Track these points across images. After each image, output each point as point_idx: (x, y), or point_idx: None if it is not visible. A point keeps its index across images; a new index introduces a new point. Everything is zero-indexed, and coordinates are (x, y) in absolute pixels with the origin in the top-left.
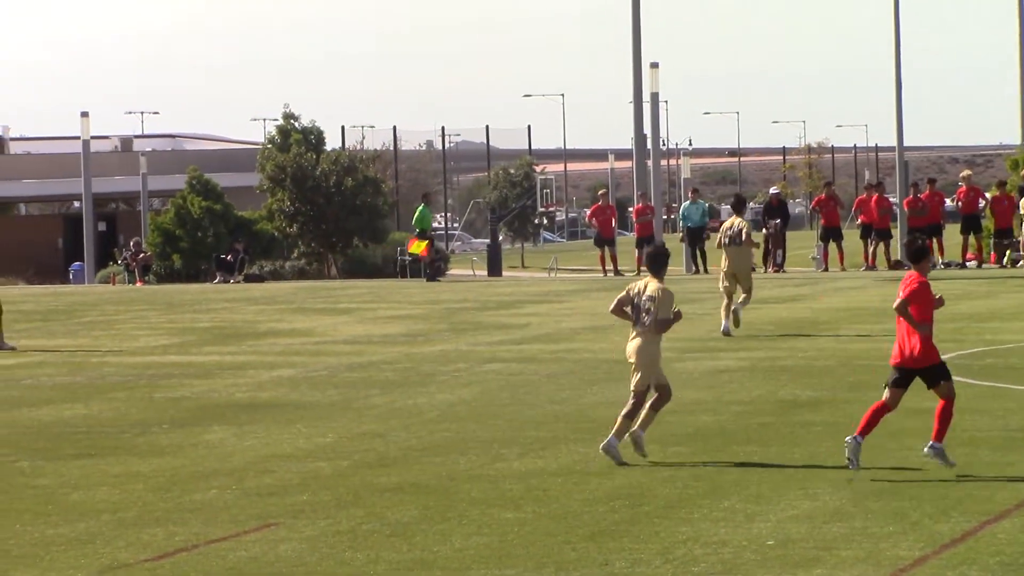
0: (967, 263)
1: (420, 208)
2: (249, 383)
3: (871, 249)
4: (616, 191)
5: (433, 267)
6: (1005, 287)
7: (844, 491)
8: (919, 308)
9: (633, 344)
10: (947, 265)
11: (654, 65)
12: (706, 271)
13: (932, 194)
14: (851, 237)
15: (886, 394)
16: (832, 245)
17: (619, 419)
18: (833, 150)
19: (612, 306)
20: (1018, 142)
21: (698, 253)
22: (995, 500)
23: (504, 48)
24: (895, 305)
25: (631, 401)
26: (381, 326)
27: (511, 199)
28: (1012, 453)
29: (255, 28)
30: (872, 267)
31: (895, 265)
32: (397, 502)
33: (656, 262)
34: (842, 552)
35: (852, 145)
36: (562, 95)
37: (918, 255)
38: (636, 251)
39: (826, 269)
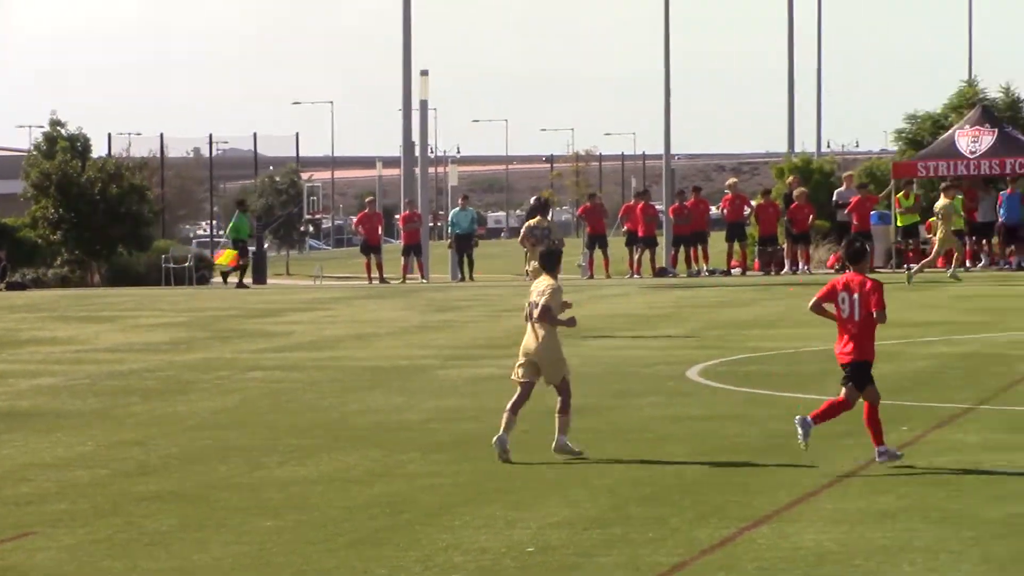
0: (732, 270)
1: (236, 216)
2: (8, 392)
3: (636, 256)
4: (384, 198)
5: (242, 276)
6: (768, 294)
7: (604, 498)
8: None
9: (529, 340)
10: (712, 272)
11: (424, 72)
12: (471, 278)
13: (697, 202)
14: (616, 244)
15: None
16: (598, 252)
17: (557, 417)
18: (601, 158)
19: (526, 313)
20: (784, 150)
21: (465, 260)
22: (754, 506)
23: (274, 55)
24: (881, 319)
25: (562, 398)
26: (144, 334)
27: (277, 207)
28: (772, 460)
29: (21, 35)
30: (637, 274)
31: (659, 272)
32: (156, 510)
33: (549, 261)
34: (601, 559)
35: (620, 153)
36: (331, 102)
37: (857, 256)
38: (403, 259)
39: (591, 276)
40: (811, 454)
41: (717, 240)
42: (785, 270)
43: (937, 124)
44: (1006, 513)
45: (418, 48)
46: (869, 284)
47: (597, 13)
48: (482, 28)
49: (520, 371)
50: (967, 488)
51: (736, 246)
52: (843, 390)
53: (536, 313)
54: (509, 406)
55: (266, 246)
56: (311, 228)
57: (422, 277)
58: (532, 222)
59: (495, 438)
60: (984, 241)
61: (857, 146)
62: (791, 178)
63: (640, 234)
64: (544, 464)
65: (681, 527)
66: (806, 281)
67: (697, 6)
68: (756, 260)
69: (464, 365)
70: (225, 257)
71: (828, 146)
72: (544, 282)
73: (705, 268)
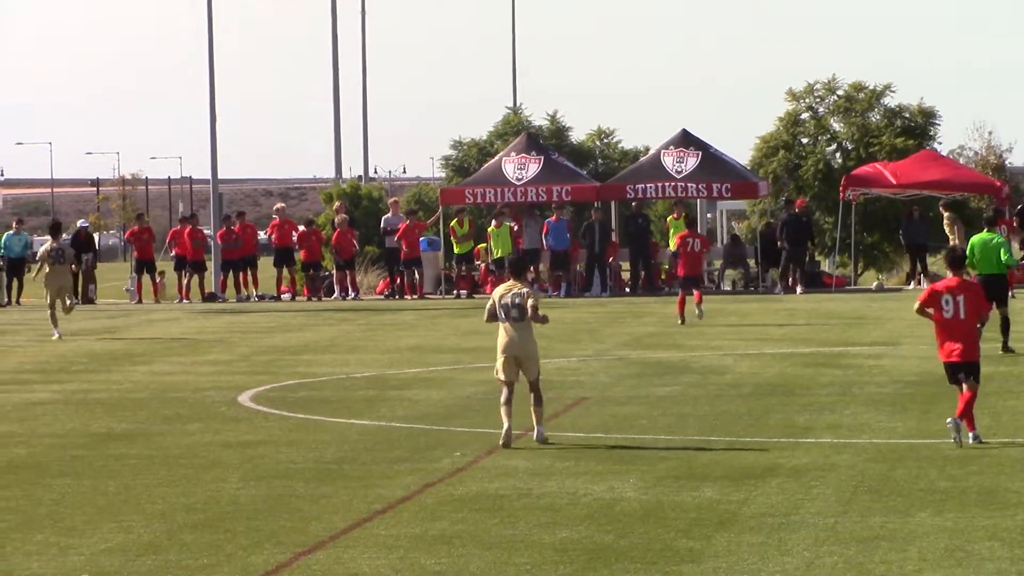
0: (281, 296)
1: None
2: None
3: (185, 281)
4: None
5: None
6: (319, 319)
7: (158, 523)
8: None
9: (515, 337)
10: (261, 298)
11: None
12: (19, 303)
13: (244, 226)
14: (168, 268)
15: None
16: (146, 277)
17: (532, 411)
18: (147, 182)
19: (485, 317)
20: (332, 175)
21: (15, 284)
22: (308, 532)
23: None
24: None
25: (532, 393)
26: None
27: None
28: (325, 485)
29: None
30: (186, 299)
31: (209, 297)
32: None
33: (517, 267)
34: None
35: (166, 177)
36: None
37: (958, 262)
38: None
39: (140, 301)
40: (365, 480)
41: (266, 265)
42: (335, 296)
43: (483, 151)
44: (559, 538)
45: None
46: (975, 288)
47: (142, 36)
48: (29, 50)
49: (504, 369)
50: (520, 514)
51: (285, 271)
52: (964, 386)
53: (531, 313)
54: (505, 401)
55: None
56: None
57: None
58: (47, 246)
59: (504, 436)
60: (532, 268)
61: (404, 172)
62: (337, 203)
63: (188, 259)
64: (95, 490)
65: (236, 553)
66: (354, 307)
67: (243, 30)
68: (305, 286)
69: (14, 390)
70: None
71: (376, 172)
72: (515, 286)
73: (255, 293)
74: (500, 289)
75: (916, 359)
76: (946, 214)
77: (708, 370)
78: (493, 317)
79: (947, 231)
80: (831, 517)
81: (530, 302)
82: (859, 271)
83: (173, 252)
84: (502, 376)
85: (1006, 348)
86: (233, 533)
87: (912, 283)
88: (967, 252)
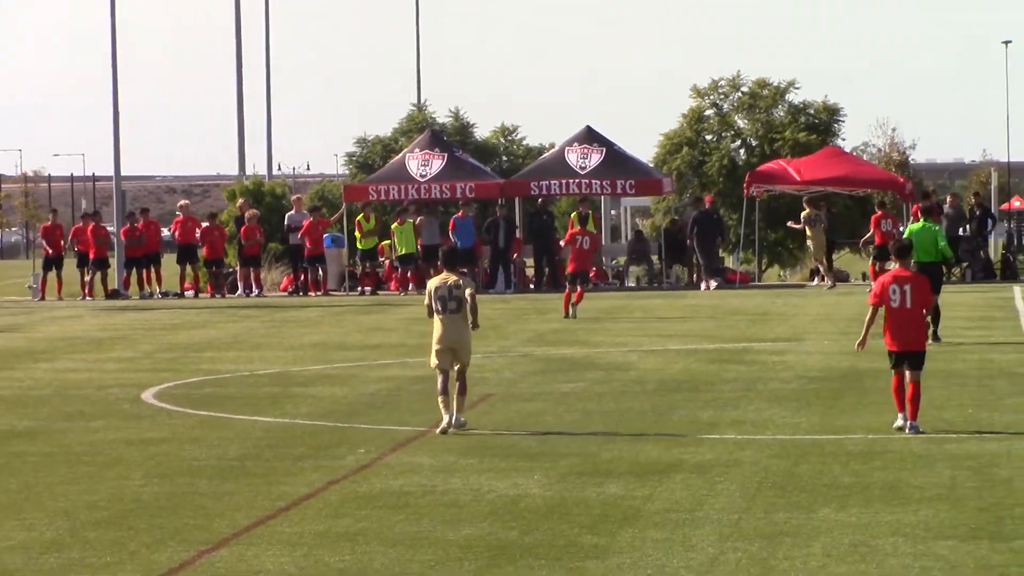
0: (185, 293)
1: None
2: None
3: (88, 278)
4: None
5: None
6: (222, 317)
7: (60, 521)
8: None
9: (450, 329)
10: (164, 295)
11: None
12: None
13: (148, 223)
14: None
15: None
16: (53, 273)
17: (455, 399)
18: (50, 179)
19: (426, 312)
20: (235, 172)
21: None
22: (212, 529)
23: None
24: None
25: (460, 381)
26: None
27: None
28: (229, 483)
29: None
30: (89, 296)
31: (112, 294)
32: None
33: (449, 258)
34: None
35: (69, 174)
36: None
37: (903, 252)
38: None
39: (43, 298)
40: (269, 477)
41: (168, 262)
42: (239, 292)
43: (388, 148)
44: (463, 535)
45: None
46: (921, 278)
47: (44, 32)
48: None
49: (439, 359)
50: (424, 510)
51: (188, 268)
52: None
53: (471, 304)
54: (441, 390)
55: None
56: None
57: None
58: None
59: (444, 424)
60: (432, 266)
61: (308, 169)
62: (241, 200)
63: (91, 256)
64: None
65: (139, 551)
66: (258, 304)
67: (146, 27)
68: (209, 283)
69: None
70: None
71: (279, 169)
72: (449, 277)
73: (158, 290)
74: (434, 281)
75: (820, 355)
76: (806, 210)
77: (613, 366)
78: (432, 310)
79: (805, 228)
80: (735, 513)
81: (468, 291)
82: (763, 267)
83: (76, 248)
84: (437, 364)
85: (935, 337)
86: (136, 531)
87: (816, 279)
88: None
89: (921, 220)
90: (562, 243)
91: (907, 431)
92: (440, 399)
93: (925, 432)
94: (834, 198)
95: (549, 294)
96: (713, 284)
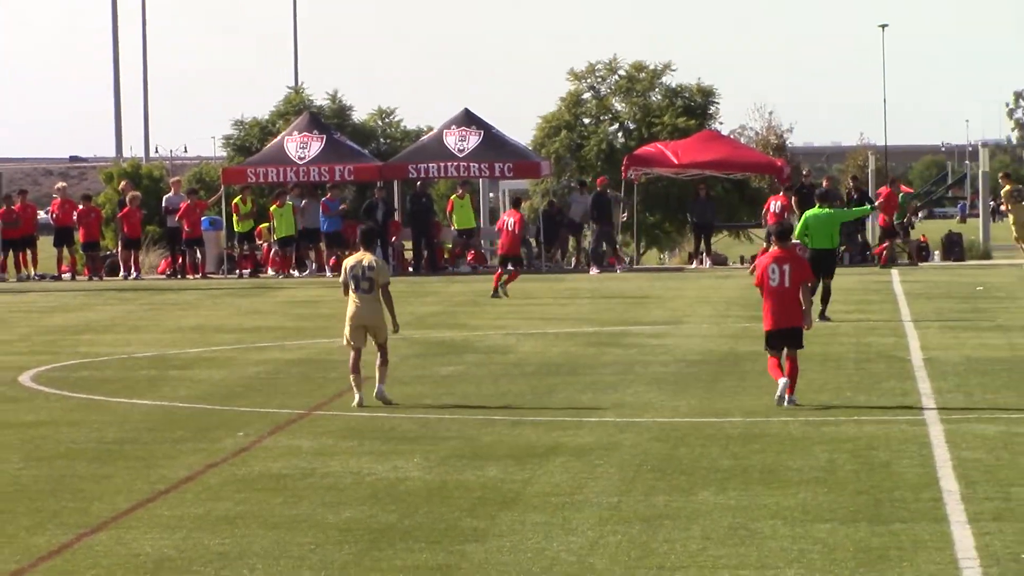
0: (62, 275)
1: None
2: None
3: None
4: None
5: None
6: (100, 299)
7: None
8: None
9: (363, 307)
10: (41, 277)
11: None
12: None
13: (24, 205)
14: None
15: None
16: None
17: (377, 369)
18: None
19: (342, 290)
20: (112, 154)
21: None
22: (91, 512)
23: None
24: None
25: (380, 353)
26: None
27: None
28: (107, 466)
29: None
30: None
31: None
32: None
33: (367, 237)
34: None
35: None
36: None
37: (784, 234)
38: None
39: None
40: (147, 460)
41: (44, 244)
42: (122, 275)
43: (265, 130)
44: (343, 518)
45: None
46: (798, 257)
47: None
48: None
49: (353, 336)
50: (304, 493)
51: (66, 251)
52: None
53: (386, 303)
54: (352, 368)
55: None
56: None
57: None
58: None
59: (356, 400)
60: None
61: (186, 151)
62: (123, 183)
63: None
64: None
65: (18, 534)
66: (136, 287)
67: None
68: (86, 265)
69: None
70: None
71: (157, 151)
72: (368, 257)
73: (34, 272)
74: (351, 260)
75: (699, 338)
76: (1006, 187)
77: (492, 349)
78: (347, 288)
79: (1006, 206)
80: (615, 496)
81: (381, 280)
82: (641, 250)
83: None
84: (351, 342)
85: (823, 317)
86: (14, 514)
87: (695, 262)
88: (799, 226)
89: (817, 206)
90: (454, 227)
91: (785, 404)
92: (352, 377)
93: (802, 406)
94: (712, 181)
95: (427, 277)
96: (595, 271)
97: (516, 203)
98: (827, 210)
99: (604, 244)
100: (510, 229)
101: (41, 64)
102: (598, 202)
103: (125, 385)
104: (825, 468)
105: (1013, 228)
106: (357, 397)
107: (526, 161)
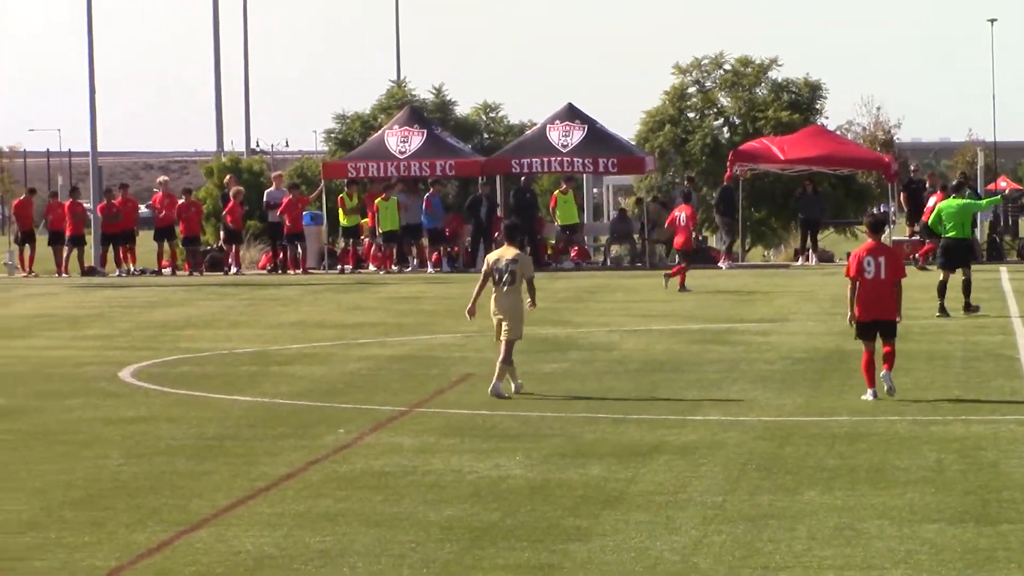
0: (162, 270)
1: None
2: None
3: (64, 255)
4: None
5: None
6: (201, 294)
7: (36, 500)
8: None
9: (503, 300)
10: (141, 272)
11: None
12: None
13: (125, 200)
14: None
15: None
16: (27, 249)
17: (498, 366)
18: (26, 155)
19: (479, 283)
20: (214, 149)
21: None
22: (191, 509)
23: None
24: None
25: (504, 350)
26: None
27: None
28: (208, 462)
29: None
30: (65, 273)
31: (89, 271)
32: None
33: (511, 232)
34: (36, 563)
35: (45, 149)
36: None
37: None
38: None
39: (32, 272)
40: (248, 457)
41: (144, 239)
42: (226, 270)
43: (367, 124)
44: (444, 516)
45: None
46: (894, 250)
47: (19, 6)
48: None
49: (497, 330)
50: (405, 491)
51: (166, 246)
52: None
53: (527, 278)
54: (502, 359)
55: None
56: None
57: None
58: None
59: (512, 387)
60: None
61: (287, 146)
62: (228, 177)
63: (68, 233)
64: None
65: (118, 531)
66: (236, 282)
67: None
68: (186, 260)
69: None
70: None
71: (258, 145)
72: (512, 251)
73: (134, 267)
74: (493, 254)
75: (804, 335)
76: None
77: (595, 346)
78: (487, 281)
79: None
80: (719, 495)
81: (526, 274)
82: (747, 247)
83: (48, 227)
84: (495, 334)
85: (968, 308)
86: (114, 511)
87: (800, 259)
88: (931, 217)
89: (952, 196)
90: (557, 222)
91: (883, 379)
92: (498, 365)
93: (905, 401)
94: (818, 177)
95: None
96: (726, 264)
97: (687, 197)
98: (960, 201)
99: (727, 239)
100: (683, 224)
101: (143, 57)
102: (724, 195)
103: (226, 381)
104: (933, 468)
105: None
106: (513, 385)
107: (630, 156)
